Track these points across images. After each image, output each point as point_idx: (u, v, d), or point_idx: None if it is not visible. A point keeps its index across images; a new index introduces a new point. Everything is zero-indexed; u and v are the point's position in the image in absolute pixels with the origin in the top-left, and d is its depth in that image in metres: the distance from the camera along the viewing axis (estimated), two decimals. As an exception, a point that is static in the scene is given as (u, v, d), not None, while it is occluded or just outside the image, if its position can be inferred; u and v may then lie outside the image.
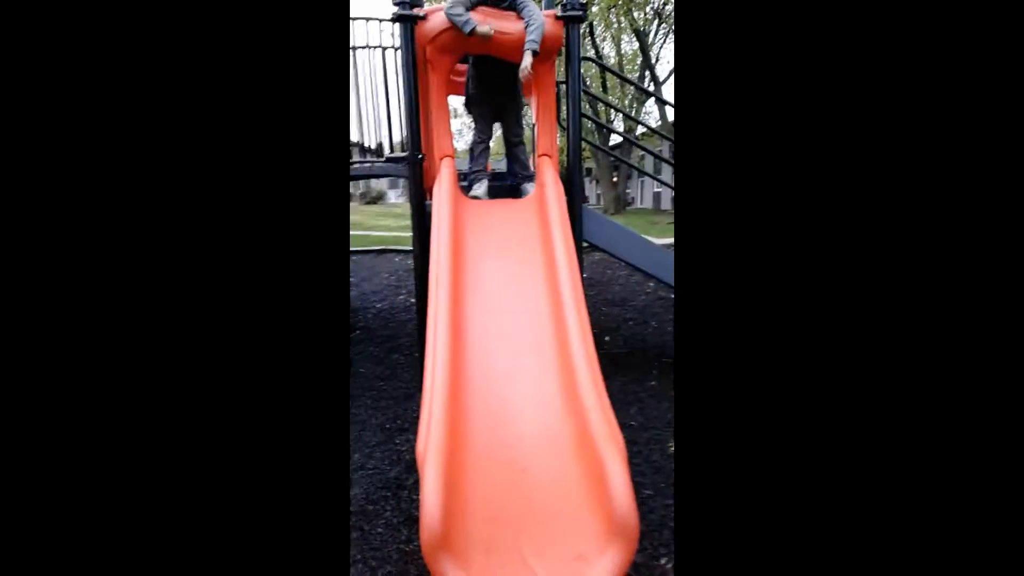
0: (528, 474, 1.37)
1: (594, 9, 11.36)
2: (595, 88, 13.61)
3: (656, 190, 19.41)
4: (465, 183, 2.57)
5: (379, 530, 1.73)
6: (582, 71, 3.65)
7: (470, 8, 2.18)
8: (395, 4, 2.18)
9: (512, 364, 1.65)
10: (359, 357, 3.38)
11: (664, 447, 2.22)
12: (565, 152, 2.57)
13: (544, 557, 1.19)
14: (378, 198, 25.04)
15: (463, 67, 2.74)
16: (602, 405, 1.43)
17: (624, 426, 2.33)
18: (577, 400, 1.46)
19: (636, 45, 13.55)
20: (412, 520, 1.76)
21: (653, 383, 2.86)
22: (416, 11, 2.18)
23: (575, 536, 1.23)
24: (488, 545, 1.21)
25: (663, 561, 1.57)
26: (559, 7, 2.30)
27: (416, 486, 1.93)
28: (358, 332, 3.86)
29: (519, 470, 1.38)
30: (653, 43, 13.61)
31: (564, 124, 2.63)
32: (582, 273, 2.19)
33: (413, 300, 4.39)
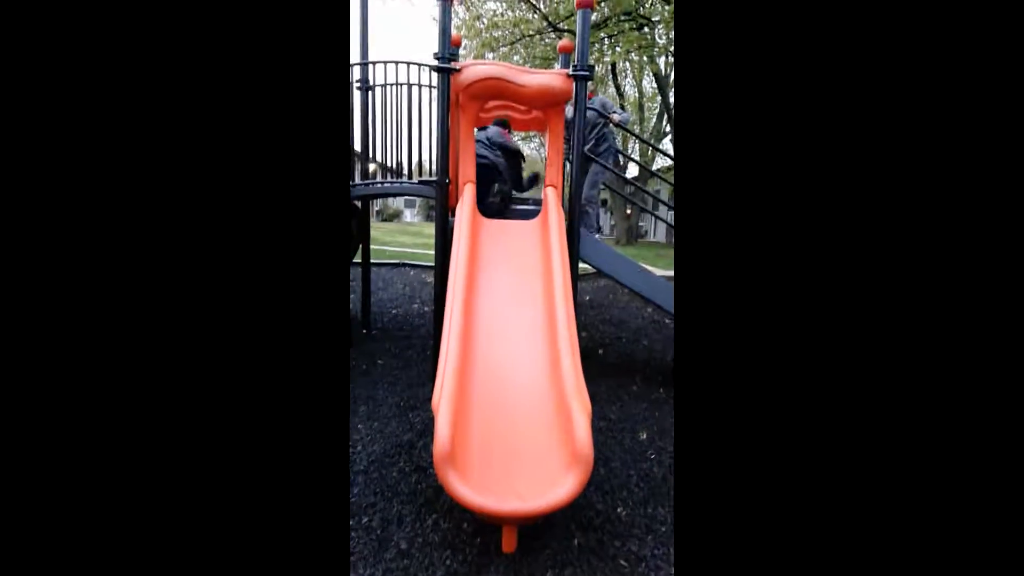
0: (516, 420, 1.82)
1: (617, 49, 12.05)
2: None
3: (671, 224, 19.81)
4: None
5: (394, 475, 2.16)
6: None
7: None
8: (436, 58, 2.71)
9: (511, 343, 2.11)
10: (378, 353, 3.82)
11: (635, 435, 2.62)
12: (569, 184, 3.06)
13: (523, 476, 1.64)
14: (394, 216, 25.84)
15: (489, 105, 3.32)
16: (576, 378, 1.87)
17: (605, 418, 2.75)
18: (559, 373, 1.91)
19: (655, 85, 14.23)
20: (421, 469, 2.18)
21: (635, 387, 3.26)
22: (453, 63, 2.70)
23: (547, 463, 1.67)
24: (483, 465, 1.66)
25: (620, 511, 1.97)
26: (571, 67, 2.80)
27: (426, 447, 2.35)
28: (375, 332, 4.30)
29: (510, 417, 1.83)
30: (672, 85, 14.30)
31: (570, 159, 3.12)
32: (577, 292, 2.65)
33: (427, 308, 4.87)
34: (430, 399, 2.00)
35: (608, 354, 4.03)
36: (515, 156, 3.39)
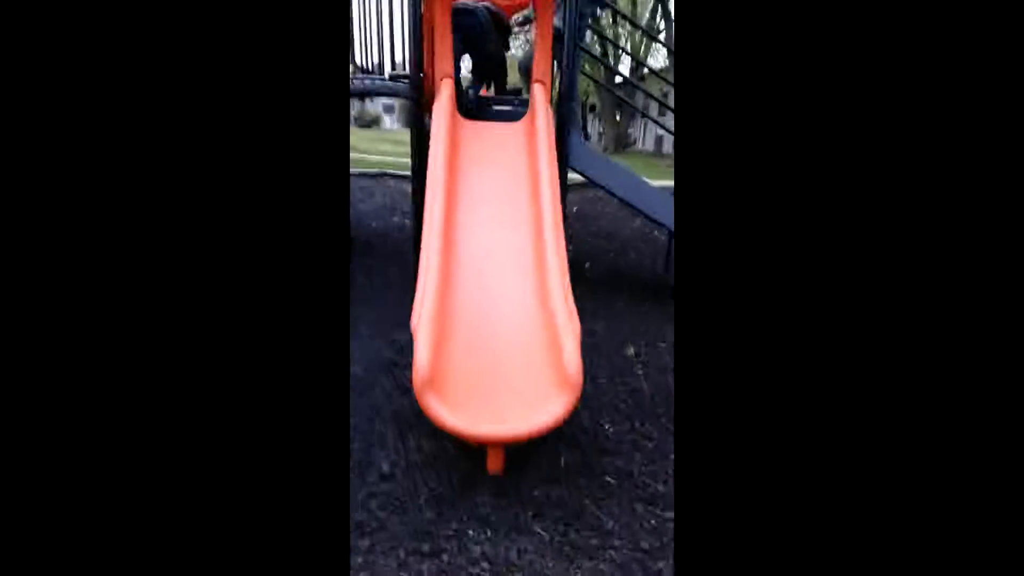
0: (501, 340, 1.72)
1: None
2: (605, 23, 13.20)
3: (659, 133, 19.18)
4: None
5: (376, 395, 2.09)
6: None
7: None
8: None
9: (494, 259, 1.96)
10: (356, 269, 3.66)
11: (623, 350, 2.57)
12: (559, 82, 2.76)
13: (509, 399, 1.55)
14: (373, 122, 24.50)
15: None
16: (565, 296, 1.74)
17: (591, 333, 2.68)
18: (546, 291, 1.78)
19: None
20: (404, 389, 2.11)
21: (620, 304, 3.19)
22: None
23: (534, 385, 1.59)
24: (466, 387, 1.57)
25: (607, 428, 1.95)
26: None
27: (408, 365, 2.28)
28: (354, 247, 4.12)
29: (494, 337, 1.72)
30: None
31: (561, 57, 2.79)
32: (567, 203, 2.45)
33: (408, 221, 4.64)
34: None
35: (596, 267, 3.93)
36: (505, 33, 3.04)
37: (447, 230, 1.94)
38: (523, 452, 1.74)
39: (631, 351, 2.56)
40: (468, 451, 1.72)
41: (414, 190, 2.56)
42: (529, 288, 1.88)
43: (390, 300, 3.10)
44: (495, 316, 1.81)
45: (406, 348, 2.43)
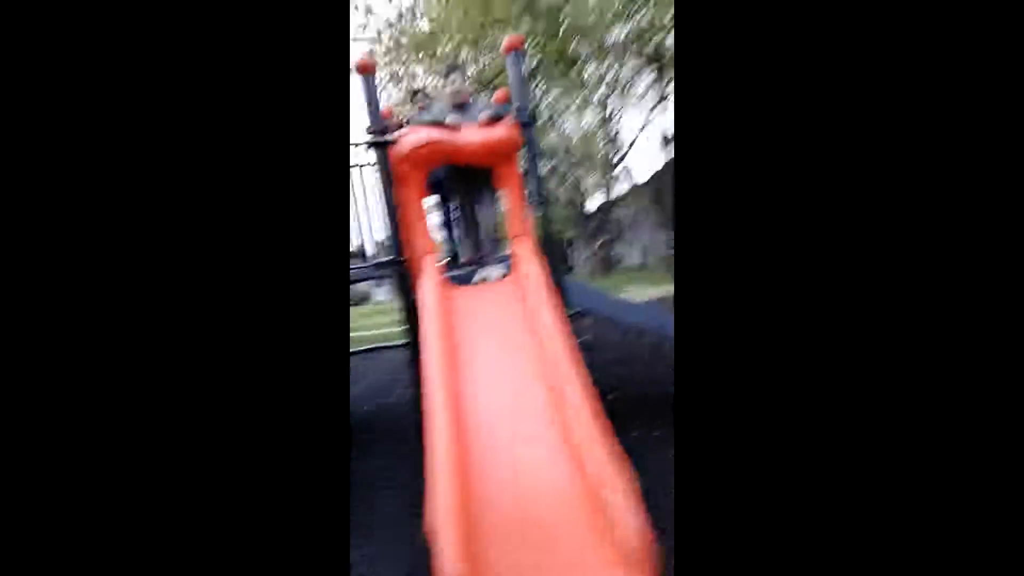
0: (542, 524, 1.48)
1: (552, 95, 12.31)
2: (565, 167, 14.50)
3: (643, 245, 19.94)
4: (460, 272, 2.81)
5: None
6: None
7: (432, 124, 2.55)
8: (369, 132, 2.53)
9: (514, 435, 1.78)
10: (363, 461, 3.36)
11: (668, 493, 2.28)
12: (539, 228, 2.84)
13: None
14: (362, 300, 25.39)
15: None
16: (603, 445, 1.55)
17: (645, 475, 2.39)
18: (578, 446, 1.59)
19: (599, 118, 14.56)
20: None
21: (657, 433, 2.94)
22: (387, 136, 2.52)
23: (594, 569, 1.32)
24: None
25: None
26: (515, 110, 2.64)
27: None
28: (360, 438, 3.87)
29: (533, 521, 1.48)
30: (610, 117, 14.64)
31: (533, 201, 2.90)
32: (580, 337, 2.37)
33: (409, 391, 4.47)
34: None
35: (619, 397, 3.72)
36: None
37: (453, 407, 1.80)
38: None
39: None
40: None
41: (412, 365, 2.47)
42: (558, 447, 1.69)
43: (403, 481, 2.80)
44: (528, 493, 1.59)
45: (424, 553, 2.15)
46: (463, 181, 2.82)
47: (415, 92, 3.28)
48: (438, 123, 2.59)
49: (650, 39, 7.95)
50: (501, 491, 1.61)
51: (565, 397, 1.78)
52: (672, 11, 8.28)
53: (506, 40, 2.71)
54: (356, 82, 2.59)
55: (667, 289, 6.92)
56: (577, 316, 5.19)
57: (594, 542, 1.42)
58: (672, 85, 11.13)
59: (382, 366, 5.98)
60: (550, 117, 14.14)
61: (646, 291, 7.57)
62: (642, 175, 14.04)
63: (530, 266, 2.39)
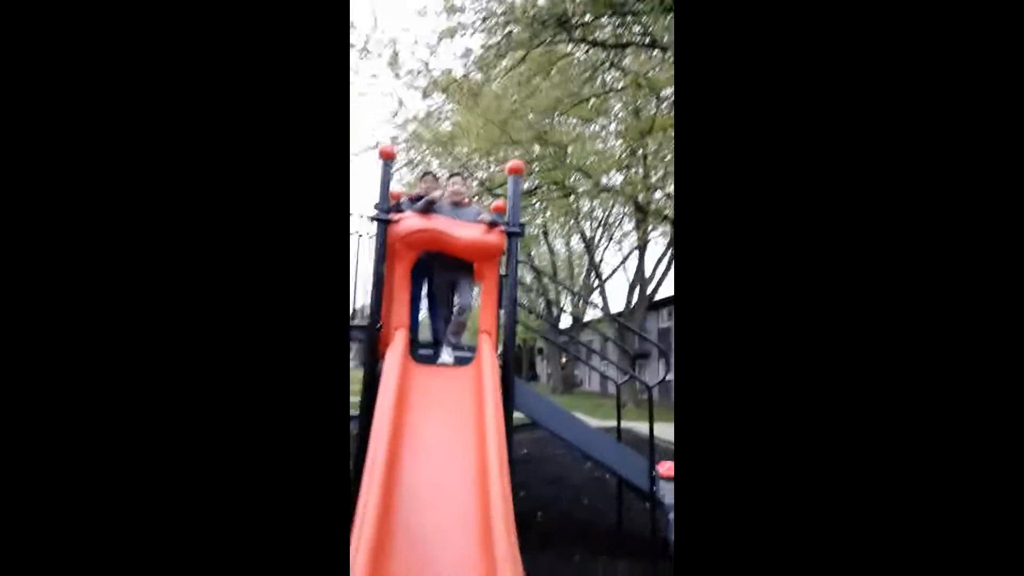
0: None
1: (548, 214, 13.21)
2: (546, 281, 15.20)
3: (606, 373, 20.20)
4: (428, 351, 2.94)
5: None
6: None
7: (424, 212, 2.82)
8: (376, 208, 2.79)
9: (437, 511, 1.84)
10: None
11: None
12: (503, 332, 3.03)
13: None
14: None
15: None
16: (512, 559, 1.61)
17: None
18: (490, 546, 1.65)
19: (583, 245, 15.55)
20: None
21: (576, 558, 2.93)
22: (391, 216, 2.78)
23: None
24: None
25: None
26: (505, 223, 2.95)
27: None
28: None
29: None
30: (598, 245, 15.65)
31: (505, 308, 3.13)
32: (512, 445, 2.46)
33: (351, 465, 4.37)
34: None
35: (548, 515, 3.69)
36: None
37: (388, 475, 1.86)
38: None
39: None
40: None
41: (360, 430, 2.51)
42: (472, 541, 1.74)
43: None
44: (436, 561, 1.62)
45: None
46: (447, 268, 3.03)
47: (425, 173, 3.60)
48: (431, 206, 2.85)
49: (640, 191, 8.81)
50: (412, 565, 1.64)
51: (490, 498, 1.85)
52: (662, 171, 9.30)
53: (511, 163, 3.11)
54: (375, 163, 2.92)
55: (613, 423, 7.01)
56: (526, 428, 5.25)
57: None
58: (651, 234, 12.12)
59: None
60: (544, 233, 15.08)
61: (597, 418, 7.66)
62: (614, 307, 14.79)
63: (488, 364, 2.55)
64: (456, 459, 2.08)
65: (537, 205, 10.84)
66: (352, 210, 3.41)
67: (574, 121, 9.24)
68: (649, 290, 13.06)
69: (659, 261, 13.23)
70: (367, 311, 2.88)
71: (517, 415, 3.06)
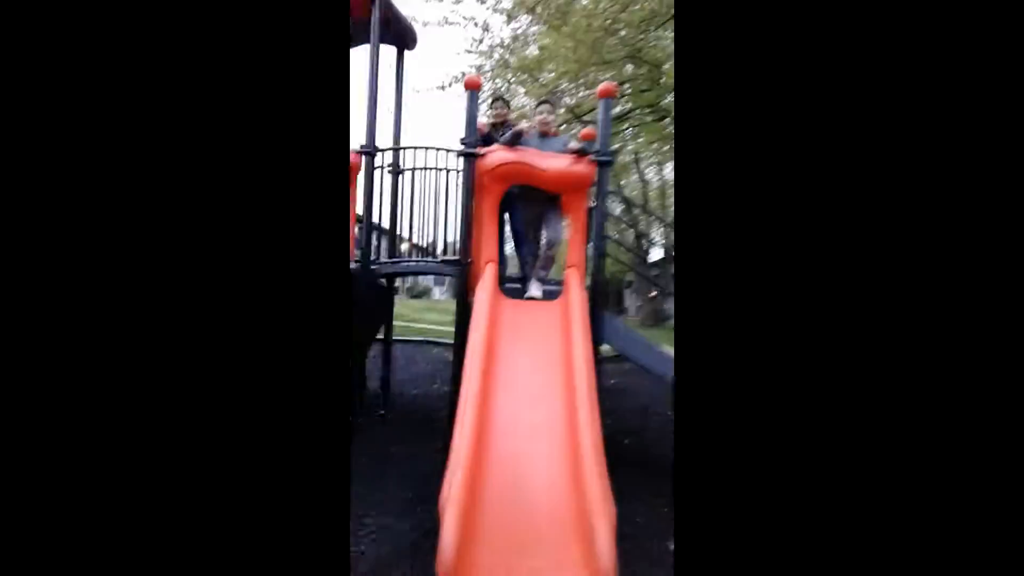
0: (532, 527, 1.62)
1: (640, 140, 12.48)
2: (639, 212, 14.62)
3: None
4: (516, 285, 3.00)
5: (396, 583, 1.93)
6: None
7: (511, 144, 2.76)
8: (462, 143, 2.78)
9: (528, 439, 1.94)
10: (392, 439, 3.62)
11: (664, 543, 2.34)
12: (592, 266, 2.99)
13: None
14: (423, 293, 26.13)
15: None
16: (600, 482, 1.68)
17: (630, 522, 2.48)
18: (580, 471, 1.72)
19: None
20: (426, 577, 1.95)
21: (662, 485, 2.98)
22: (478, 150, 2.77)
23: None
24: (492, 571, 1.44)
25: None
26: (595, 152, 2.83)
27: (432, 550, 2.12)
28: (391, 416, 4.10)
29: (525, 523, 1.63)
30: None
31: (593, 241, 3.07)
32: (601, 376, 2.49)
33: (446, 389, 4.69)
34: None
35: (634, 445, 3.76)
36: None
37: (482, 405, 1.98)
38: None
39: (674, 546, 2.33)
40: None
41: (455, 361, 2.67)
42: (562, 467, 1.83)
43: (423, 472, 3.01)
44: (526, 498, 1.73)
45: (433, 528, 2.30)
46: (535, 201, 2.99)
47: (496, 99, 3.50)
48: (519, 138, 2.79)
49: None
50: (505, 488, 1.76)
51: (578, 424, 1.91)
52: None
53: (601, 86, 2.93)
54: (462, 96, 2.87)
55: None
56: (613, 360, 5.28)
57: (571, 552, 1.55)
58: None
59: (427, 358, 6.29)
60: (635, 161, 14.34)
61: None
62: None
63: (576, 298, 2.54)
64: (545, 389, 2.15)
65: (629, 131, 10.24)
66: (438, 143, 3.44)
67: (671, 36, 8.42)
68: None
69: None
70: (458, 246, 2.96)
71: (606, 347, 3.07)
